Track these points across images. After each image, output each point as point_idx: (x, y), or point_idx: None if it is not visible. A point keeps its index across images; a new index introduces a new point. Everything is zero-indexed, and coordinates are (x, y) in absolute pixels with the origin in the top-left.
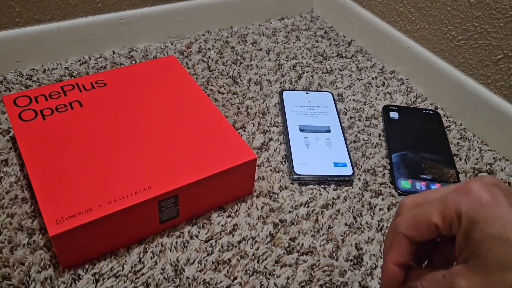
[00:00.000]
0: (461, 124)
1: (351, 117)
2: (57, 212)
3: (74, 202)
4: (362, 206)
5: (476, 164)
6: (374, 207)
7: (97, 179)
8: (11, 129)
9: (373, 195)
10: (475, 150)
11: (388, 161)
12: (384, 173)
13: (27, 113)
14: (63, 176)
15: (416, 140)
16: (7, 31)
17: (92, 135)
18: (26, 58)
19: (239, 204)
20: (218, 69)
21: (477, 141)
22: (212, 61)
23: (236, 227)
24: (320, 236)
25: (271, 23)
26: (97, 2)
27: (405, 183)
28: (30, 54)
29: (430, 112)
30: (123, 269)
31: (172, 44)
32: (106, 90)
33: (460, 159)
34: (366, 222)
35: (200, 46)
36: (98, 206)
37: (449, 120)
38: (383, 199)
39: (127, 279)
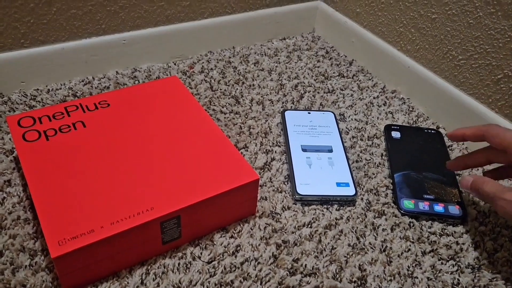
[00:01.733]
0: (463, 144)
1: (353, 137)
2: (59, 234)
3: (76, 223)
4: (365, 226)
5: None
6: (377, 228)
7: (100, 199)
8: (14, 150)
9: (376, 215)
10: (478, 169)
11: (391, 180)
12: (387, 193)
13: (30, 134)
14: (65, 196)
15: (418, 160)
16: (12, 52)
17: (95, 156)
18: (31, 79)
19: (241, 225)
20: (220, 89)
21: None
22: (214, 81)
23: (238, 248)
24: (323, 257)
25: (273, 43)
26: (100, 24)
27: (408, 203)
28: (34, 75)
29: (432, 131)
30: None
31: (175, 64)
32: (109, 110)
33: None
34: (370, 243)
35: (202, 66)
36: (101, 227)
37: (451, 140)
38: (386, 220)
39: None
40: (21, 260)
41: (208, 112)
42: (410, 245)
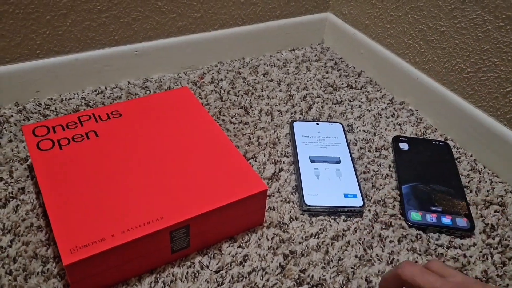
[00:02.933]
0: (471, 156)
1: (361, 148)
2: (72, 241)
3: (88, 231)
4: (373, 238)
5: (487, 196)
6: (385, 239)
7: (111, 208)
8: (28, 158)
9: (384, 227)
10: (486, 182)
11: (398, 192)
12: (394, 205)
13: (45, 143)
14: (78, 204)
15: (426, 172)
16: (27, 62)
17: (107, 165)
18: (45, 88)
19: (249, 235)
20: (230, 100)
21: (488, 173)
22: (224, 91)
23: (246, 257)
24: (330, 268)
25: (282, 54)
26: (114, 35)
27: (415, 215)
28: (48, 84)
29: (440, 143)
30: None
31: (185, 74)
32: (121, 120)
33: (471, 191)
34: (377, 255)
35: (212, 76)
36: (112, 235)
37: (459, 152)
38: (393, 231)
39: None
40: (34, 266)
41: (218, 122)
42: (417, 257)
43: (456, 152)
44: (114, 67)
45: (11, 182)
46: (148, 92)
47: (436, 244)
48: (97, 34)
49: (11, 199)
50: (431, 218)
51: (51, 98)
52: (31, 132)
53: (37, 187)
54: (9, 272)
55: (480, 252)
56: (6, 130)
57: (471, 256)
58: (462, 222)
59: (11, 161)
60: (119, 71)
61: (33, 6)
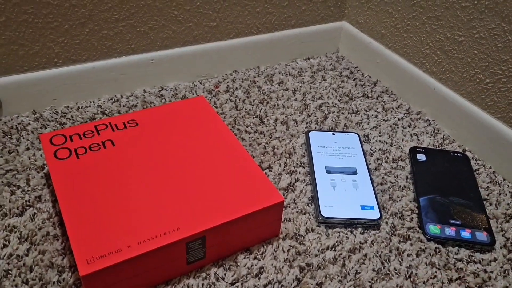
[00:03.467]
0: (490, 167)
1: (377, 159)
2: (88, 252)
3: (105, 242)
4: (390, 251)
5: (507, 209)
6: (402, 253)
7: (127, 218)
8: (45, 166)
9: (401, 240)
10: (506, 194)
11: (416, 204)
12: (412, 217)
13: (62, 152)
14: (94, 214)
15: (444, 183)
16: (45, 70)
17: (123, 175)
18: (62, 96)
19: (265, 246)
20: (245, 109)
21: (508, 185)
22: (239, 100)
23: (262, 270)
24: (347, 282)
25: (297, 63)
26: (130, 44)
27: (434, 228)
28: (65, 92)
29: (458, 154)
30: None
31: (200, 83)
32: (137, 129)
33: (491, 204)
34: (395, 268)
35: (228, 85)
36: (128, 246)
37: (478, 163)
38: (411, 244)
39: None
40: (50, 276)
41: (233, 131)
42: (436, 272)
43: (475, 163)
44: (130, 75)
45: (28, 190)
46: (163, 100)
47: (455, 258)
48: (114, 43)
49: (28, 207)
50: (450, 231)
51: (68, 106)
52: (49, 141)
53: (54, 195)
54: (26, 281)
55: (501, 267)
56: (23, 138)
57: (491, 272)
58: (482, 236)
59: (28, 169)
60: (135, 80)
61: (52, 15)
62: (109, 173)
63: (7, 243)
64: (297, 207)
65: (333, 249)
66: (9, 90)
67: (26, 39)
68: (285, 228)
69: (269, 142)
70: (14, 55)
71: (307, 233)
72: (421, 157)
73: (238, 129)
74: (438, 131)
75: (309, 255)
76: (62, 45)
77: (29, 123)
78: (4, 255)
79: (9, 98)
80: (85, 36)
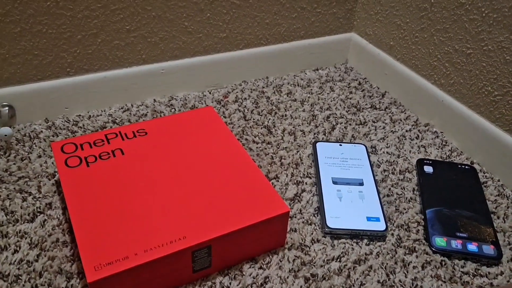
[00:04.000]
0: (498, 180)
1: (384, 170)
2: (96, 259)
3: (112, 249)
4: (395, 263)
5: None
6: (408, 265)
7: (135, 226)
8: (56, 173)
9: (407, 252)
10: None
11: (422, 216)
12: (418, 229)
13: (72, 160)
14: (103, 222)
15: (451, 196)
16: (58, 80)
17: (132, 183)
18: (74, 105)
19: (270, 256)
20: (253, 119)
21: None
22: (247, 110)
23: (267, 279)
24: None
25: (305, 73)
26: (141, 54)
27: (440, 241)
28: (77, 101)
29: (466, 167)
30: None
31: (210, 93)
32: (146, 139)
33: (498, 217)
34: (400, 280)
35: (236, 95)
36: (135, 254)
37: (485, 176)
38: (417, 257)
39: None
40: (58, 282)
41: (241, 141)
42: (441, 285)
43: (483, 176)
44: (140, 85)
45: (39, 197)
46: (173, 110)
47: (461, 271)
48: (125, 53)
49: (38, 214)
50: (456, 244)
51: (79, 115)
52: (60, 149)
53: (64, 202)
54: (35, 286)
55: (508, 281)
56: (36, 146)
57: (498, 286)
58: (489, 249)
59: (40, 176)
60: (145, 89)
61: (65, 26)
62: (118, 181)
63: (18, 248)
64: (303, 218)
65: (338, 260)
66: (22, 99)
67: (40, 49)
68: (291, 238)
69: (277, 153)
70: (28, 65)
71: (312, 244)
72: (428, 169)
73: (246, 139)
74: (446, 143)
75: (314, 266)
76: (74, 55)
77: (42, 131)
78: (15, 261)
79: (22, 106)
80: (97, 46)
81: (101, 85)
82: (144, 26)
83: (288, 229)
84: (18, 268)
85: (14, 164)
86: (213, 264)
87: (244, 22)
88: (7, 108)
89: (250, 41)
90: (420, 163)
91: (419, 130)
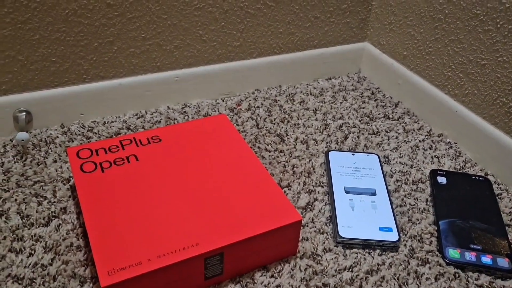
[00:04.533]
0: None
1: (397, 180)
2: (110, 264)
3: (126, 254)
4: (408, 274)
5: None
6: (421, 276)
7: (148, 232)
8: (71, 178)
9: (420, 263)
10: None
11: (436, 228)
12: (431, 241)
13: (88, 165)
14: (116, 227)
15: (465, 207)
16: (74, 86)
17: (145, 189)
18: (89, 111)
19: (282, 265)
20: (266, 127)
21: None
22: (260, 118)
23: None
24: None
25: (318, 82)
26: (156, 61)
27: (453, 252)
28: (92, 108)
29: (480, 178)
30: None
31: (223, 101)
32: (160, 145)
33: None
34: None
35: (249, 103)
36: (148, 259)
37: (500, 188)
38: (430, 268)
39: None
40: (72, 286)
41: (254, 149)
42: None
43: (497, 188)
44: (154, 92)
45: (54, 202)
46: (186, 117)
47: (475, 284)
48: (140, 61)
49: (53, 218)
50: (470, 256)
51: (94, 121)
52: (76, 154)
53: (78, 207)
54: None
55: None
56: (51, 151)
57: None
58: (503, 262)
59: (55, 181)
60: (159, 96)
61: (82, 34)
62: (132, 187)
63: (33, 252)
64: (315, 227)
65: (350, 270)
66: (39, 104)
67: (57, 56)
68: (303, 247)
69: (289, 161)
70: (46, 71)
71: (324, 253)
72: (441, 179)
73: (259, 147)
74: (460, 154)
75: (326, 275)
76: (91, 62)
77: (57, 136)
78: (30, 264)
79: (39, 112)
80: (113, 54)
81: (116, 92)
82: (159, 34)
83: (300, 237)
84: (33, 272)
85: (30, 168)
86: (225, 271)
87: (258, 31)
88: (24, 113)
89: (263, 49)
90: (434, 173)
91: (432, 141)
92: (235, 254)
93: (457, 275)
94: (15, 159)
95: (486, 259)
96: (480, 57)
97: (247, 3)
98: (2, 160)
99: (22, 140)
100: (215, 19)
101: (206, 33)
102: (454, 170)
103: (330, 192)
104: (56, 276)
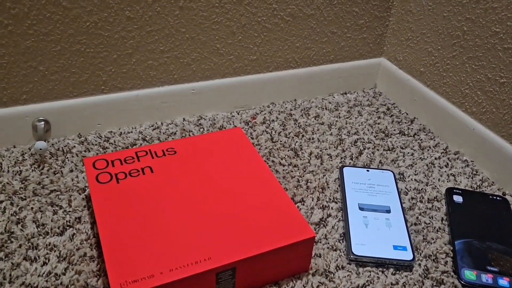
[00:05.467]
0: None
1: (412, 198)
2: (122, 276)
3: (138, 267)
4: None
5: None
6: None
7: (161, 244)
8: (86, 188)
9: (434, 284)
10: None
11: (451, 248)
12: (447, 261)
13: (103, 176)
14: (130, 239)
15: (482, 227)
16: (92, 97)
17: (160, 201)
18: (106, 122)
19: (294, 281)
20: (280, 141)
21: None
22: (275, 132)
23: None
24: None
25: (334, 97)
26: (173, 74)
27: (469, 274)
28: (109, 118)
29: (498, 198)
30: None
31: (238, 114)
32: (175, 158)
33: None
34: None
35: (264, 117)
36: (160, 273)
37: None
38: None
39: None
40: None
41: (267, 163)
42: None
43: None
44: (171, 104)
45: (69, 211)
46: (201, 129)
47: None
48: (158, 73)
49: (68, 228)
50: (486, 278)
51: (111, 131)
52: (92, 165)
53: (93, 217)
54: None
55: None
56: (68, 160)
57: None
58: None
59: (71, 190)
60: (175, 108)
61: (102, 46)
62: (147, 199)
63: (47, 261)
64: (328, 243)
65: None
66: (58, 114)
67: (77, 67)
68: (315, 264)
69: (303, 176)
70: (66, 81)
71: (337, 270)
72: (457, 198)
73: (273, 161)
74: (477, 172)
75: None
76: (109, 74)
77: (74, 146)
78: (44, 273)
79: (57, 121)
80: (132, 66)
81: (133, 103)
82: (177, 47)
83: (313, 254)
84: (46, 281)
85: (47, 177)
86: (237, 286)
87: (274, 45)
88: (43, 122)
89: (279, 64)
90: (450, 192)
91: (448, 158)
92: (247, 269)
93: None
94: (33, 168)
95: (504, 282)
96: (499, 75)
97: (265, 17)
98: (20, 168)
99: (40, 149)
100: (233, 33)
101: (223, 46)
102: (470, 189)
103: (344, 209)
104: (69, 286)
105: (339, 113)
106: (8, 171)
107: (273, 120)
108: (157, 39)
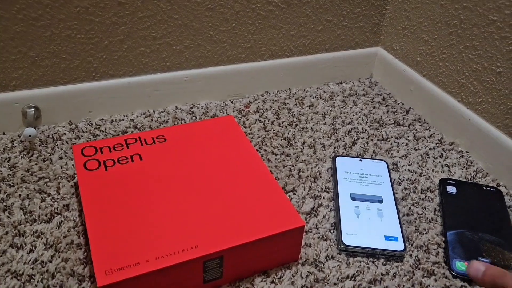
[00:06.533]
0: None
1: (405, 188)
2: (107, 263)
3: (124, 254)
4: (413, 285)
5: None
6: None
7: (148, 232)
8: (75, 175)
9: (425, 275)
10: None
11: (443, 238)
12: (438, 252)
13: (91, 163)
14: (116, 226)
15: (475, 219)
16: (83, 83)
17: (148, 189)
18: (97, 109)
19: (283, 270)
20: (273, 130)
21: None
22: (268, 121)
23: None
24: None
25: (329, 86)
26: (166, 61)
27: (460, 265)
28: (100, 106)
29: (491, 189)
30: None
31: (231, 102)
32: (165, 145)
33: None
34: None
35: (258, 106)
36: (146, 260)
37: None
38: (435, 280)
39: None
40: (70, 284)
41: (260, 152)
42: None
43: (509, 199)
44: (163, 92)
45: (57, 198)
46: (194, 117)
47: None
48: (150, 60)
49: (55, 215)
50: None
51: (102, 119)
52: (80, 152)
53: (81, 205)
54: (47, 287)
55: None
56: (58, 147)
57: None
58: None
59: (60, 177)
60: (168, 96)
61: (93, 32)
62: (134, 186)
63: (33, 248)
64: (319, 233)
65: (353, 278)
66: (48, 101)
67: (68, 53)
68: (305, 254)
69: (295, 165)
70: (56, 68)
71: (327, 260)
72: (451, 189)
73: (265, 150)
74: (471, 163)
75: (327, 283)
76: (101, 60)
77: (65, 133)
78: (30, 260)
79: (48, 108)
80: (123, 52)
81: (125, 90)
82: (170, 34)
83: (303, 244)
84: (32, 268)
85: (36, 164)
86: (225, 275)
87: (269, 33)
88: (33, 109)
89: (274, 52)
90: (443, 182)
91: (443, 149)
92: (235, 258)
93: None
94: (22, 155)
95: None
96: (496, 65)
97: (259, 4)
98: (9, 155)
99: (29, 136)
100: (226, 20)
101: (216, 34)
102: (464, 180)
103: (335, 198)
104: (55, 273)
105: (334, 103)
106: None
107: (266, 109)
108: (149, 25)
